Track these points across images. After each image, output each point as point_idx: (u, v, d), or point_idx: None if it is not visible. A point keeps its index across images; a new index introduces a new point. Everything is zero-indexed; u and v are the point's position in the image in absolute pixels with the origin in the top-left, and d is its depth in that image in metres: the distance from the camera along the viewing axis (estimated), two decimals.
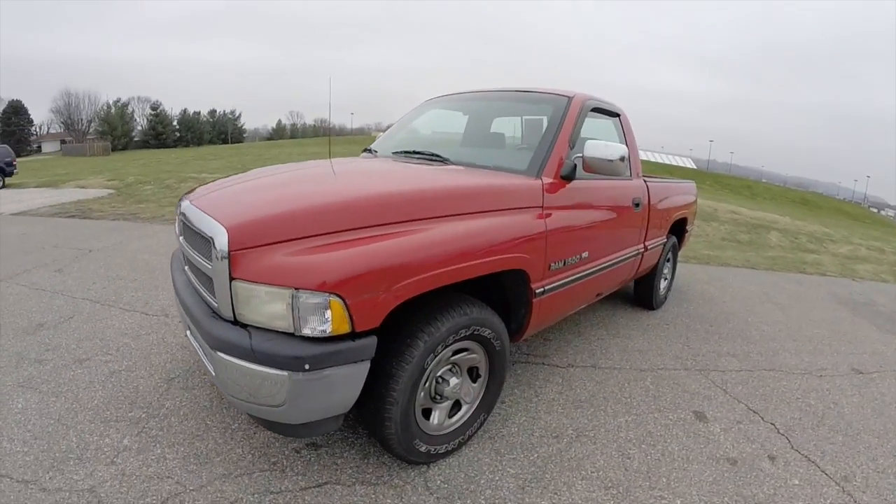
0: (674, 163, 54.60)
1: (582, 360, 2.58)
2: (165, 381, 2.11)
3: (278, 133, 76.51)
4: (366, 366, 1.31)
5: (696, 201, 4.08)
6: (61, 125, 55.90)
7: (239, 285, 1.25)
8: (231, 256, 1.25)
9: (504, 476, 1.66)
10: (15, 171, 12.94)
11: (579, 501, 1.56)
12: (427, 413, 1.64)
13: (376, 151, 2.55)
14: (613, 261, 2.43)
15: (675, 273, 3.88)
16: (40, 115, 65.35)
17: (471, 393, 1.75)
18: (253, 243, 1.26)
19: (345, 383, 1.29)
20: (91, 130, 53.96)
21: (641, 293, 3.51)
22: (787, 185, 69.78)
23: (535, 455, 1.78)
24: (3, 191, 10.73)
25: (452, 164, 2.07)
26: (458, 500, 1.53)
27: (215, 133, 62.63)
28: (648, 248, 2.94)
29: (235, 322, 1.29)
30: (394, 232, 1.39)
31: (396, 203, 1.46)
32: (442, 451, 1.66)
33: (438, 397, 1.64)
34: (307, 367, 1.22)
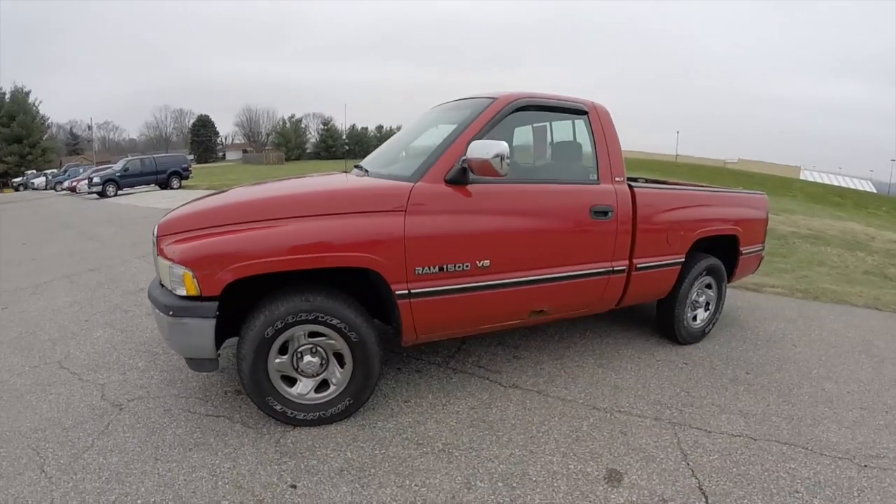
0: (849, 185, 39.07)
1: (533, 384, 2.25)
2: None
3: None
4: (210, 322, 1.62)
5: (758, 218, 3.01)
6: (243, 137, 63.08)
7: (158, 259, 1.75)
8: (157, 240, 1.76)
9: (338, 457, 1.69)
10: (190, 174, 16.71)
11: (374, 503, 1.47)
12: (293, 382, 1.82)
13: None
14: (553, 276, 2.07)
15: (721, 304, 2.90)
16: (225, 127, 72.27)
17: (337, 376, 1.85)
18: (165, 232, 1.74)
19: (196, 332, 1.64)
20: (269, 142, 58.46)
21: (662, 321, 2.77)
22: None
23: (384, 452, 1.73)
24: (178, 190, 14.58)
25: (370, 175, 2.14)
26: (289, 459, 1.66)
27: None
28: (639, 267, 2.34)
29: (162, 286, 1.80)
30: (246, 228, 1.66)
31: (257, 207, 1.76)
32: (300, 417, 1.81)
33: (302, 371, 1.80)
34: (171, 313, 1.64)
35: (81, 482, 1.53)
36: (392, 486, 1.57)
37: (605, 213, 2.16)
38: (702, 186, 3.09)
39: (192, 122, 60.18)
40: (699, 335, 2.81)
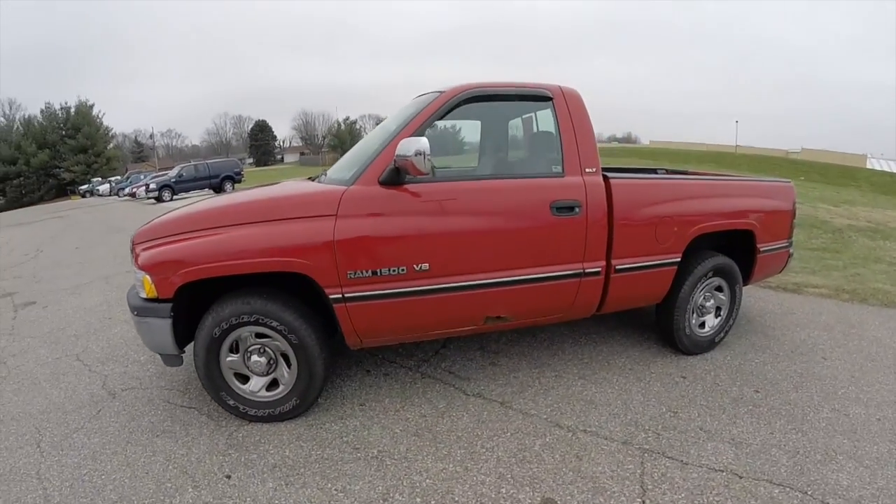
0: None
1: (499, 394, 2.07)
2: None
3: None
4: (167, 322, 1.73)
5: (781, 210, 2.49)
6: (300, 140, 62.62)
7: (134, 266, 1.91)
8: (132, 248, 1.91)
9: (277, 453, 1.71)
10: (242, 178, 16.76)
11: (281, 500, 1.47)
12: (247, 379, 1.88)
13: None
14: (508, 279, 1.87)
15: (735, 311, 2.42)
16: (283, 131, 73.89)
17: (285, 376, 1.87)
18: (139, 241, 1.88)
19: (157, 330, 1.77)
20: (325, 144, 57.73)
21: (662, 329, 2.40)
22: None
23: (320, 453, 1.72)
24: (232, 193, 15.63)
25: (324, 181, 2.09)
26: (234, 451, 1.73)
27: None
28: (619, 269, 2.03)
29: None
30: (195, 236, 1.74)
31: (207, 216, 1.82)
32: (252, 413, 1.87)
33: (252, 370, 1.85)
34: (136, 313, 1.80)
35: (65, 457, 1.73)
36: (314, 487, 1.55)
37: (571, 209, 1.90)
38: (713, 175, 2.61)
39: (250, 127, 60.50)
40: (707, 345, 2.39)
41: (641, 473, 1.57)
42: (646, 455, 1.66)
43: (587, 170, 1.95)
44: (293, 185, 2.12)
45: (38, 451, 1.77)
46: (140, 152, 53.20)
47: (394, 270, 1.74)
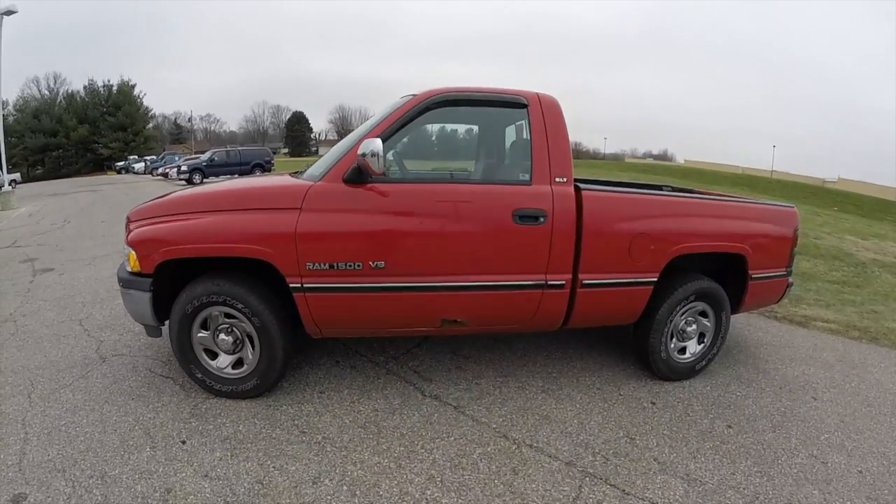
0: None
1: (455, 399, 2.05)
2: None
3: None
4: (147, 295, 1.87)
5: (779, 235, 2.32)
6: (336, 133, 60.96)
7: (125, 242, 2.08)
8: (127, 225, 2.08)
9: (231, 427, 1.80)
10: (272, 167, 16.76)
11: (223, 477, 1.54)
12: (216, 356, 1.98)
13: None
14: (464, 284, 1.87)
15: (720, 339, 2.25)
16: (319, 123, 70.00)
17: (249, 356, 1.96)
18: (134, 219, 2.04)
19: (138, 302, 1.91)
20: None
21: (638, 351, 2.28)
22: None
23: (269, 432, 1.78)
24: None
25: (301, 177, 2.14)
26: (195, 420, 1.83)
27: None
28: (586, 283, 1.96)
29: None
30: (176, 219, 1.88)
31: (188, 201, 1.97)
32: (217, 388, 1.97)
33: (220, 347, 1.95)
34: (122, 284, 1.95)
35: (50, 409, 1.91)
36: (254, 461, 1.63)
37: (536, 219, 1.86)
38: (720, 196, 2.44)
39: (287, 117, 60.13)
40: (686, 372, 2.24)
41: (576, 497, 1.51)
42: (587, 479, 1.59)
43: (557, 179, 1.91)
44: (271, 179, 2.23)
45: (28, 401, 1.96)
46: (178, 134, 53.34)
47: (350, 265, 1.79)
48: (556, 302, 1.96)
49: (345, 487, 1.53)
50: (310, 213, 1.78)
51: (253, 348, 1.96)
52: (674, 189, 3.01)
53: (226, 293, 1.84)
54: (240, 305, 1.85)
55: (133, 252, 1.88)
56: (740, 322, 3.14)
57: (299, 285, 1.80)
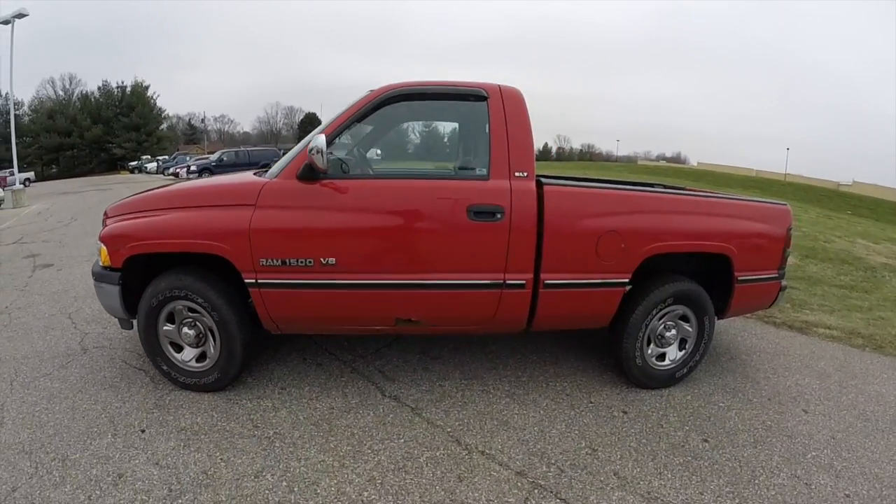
0: None
1: (415, 400, 2.01)
2: None
3: (543, 155, 74.61)
4: (116, 288, 1.95)
5: (768, 234, 2.15)
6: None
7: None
8: (104, 221, 2.17)
9: (189, 418, 1.85)
10: None
11: (172, 466, 1.58)
12: (182, 349, 2.04)
13: None
14: (417, 283, 1.83)
15: (703, 345, 2.11)
16: None
17: (211, 351, 2.01)
18: (109, 215, 2.13)
19: (109, 295, 1.99)
20: None
21: (613, 356, 2.16)
22: None
23: (224, 424, 1.81)
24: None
25: (263, 174, 2.13)
26: (157, 411, 1.89)
27: None
28: (549, 284, 1.87)
29: None
30: (142, 216, 1.95)
31: (155, 199, 2.03)
32: (181, 380, 2.02)
33: (184, 341, 2.01)
34: (94, 278, 2.04)
35: (28, 396, 2.02)
36: (204, 452, 1.66)
37: (492, 215, 1.80)
38: (712, 194, 2.28)
39: (300, 118, 58.66)
40: (665, 379, 2.11)
41: (508, 497, 1.43)
42: (535, 491, 1.52)
43: (517, 174, 1.84)
44: (234, 177, 2.28)
45: (10, 388, 2.09)
46: (192, 134, 53.56)
47: (301, 262, 1.79)
48: (516, 303, 1.89)
49: (284, 483, 1.53)
50: (263, 209, 1.80)
51: (215, 342, 2.00)
52: (666, 188, 2.85)
53: (187, 288, 1.89)
54: (200, 300, 1.89)
55: (104, 247, 1.97)
56: (735, 327, 2.95)
57: (254, 281, 1.82)
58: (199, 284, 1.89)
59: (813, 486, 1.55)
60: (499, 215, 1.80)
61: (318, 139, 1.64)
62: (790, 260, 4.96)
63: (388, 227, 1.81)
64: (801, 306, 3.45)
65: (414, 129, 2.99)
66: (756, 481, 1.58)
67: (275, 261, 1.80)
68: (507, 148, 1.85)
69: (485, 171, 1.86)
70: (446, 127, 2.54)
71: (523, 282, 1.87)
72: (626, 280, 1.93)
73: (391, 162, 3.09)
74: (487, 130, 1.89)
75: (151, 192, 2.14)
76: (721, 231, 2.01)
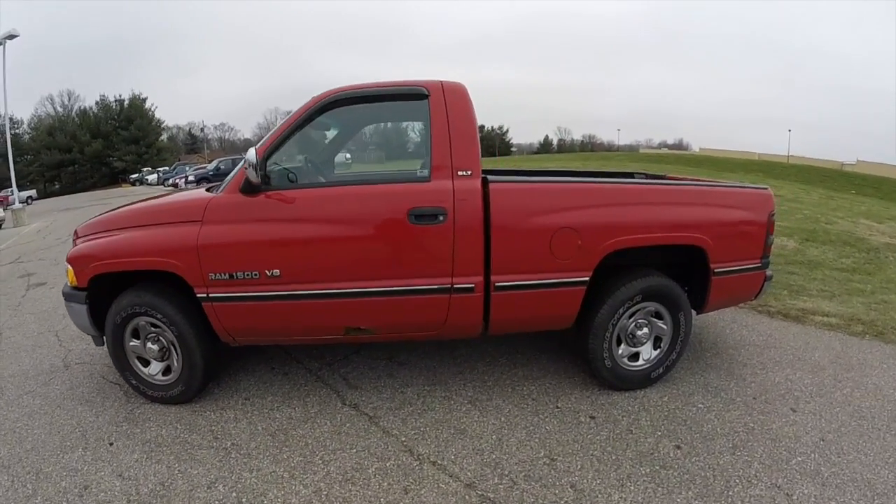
0: None
1: (374, 409, 1.98)
2: None
3: (545, 148, 73.78)
4: (84, 307, 2.02)
5: (747, 221, 2.00)
6: None
7: None
8: (73, 241, 2.26)
9: (154, 430, 1.89)
10: None
11: (133, 478, 1.61)
12: (148, 363, 2.09)
13: None
14: (362, 291, 1.80)
15: (679, 343, 1.98)
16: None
17: (175, 364, 2.06)
18: (79, 235, 2.22)
19: (78, 314, 2.07)
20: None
21: (581, 355, 2.06)
22: None
23: (185, 436, 1.86)
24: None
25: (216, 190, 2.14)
26: (126, 423, 1.96)
27: (483, 147, 71.14)
28: (500, 286, 1.80)
29: None
30: (105, 236, 2.01)
31: (116, 219, 2.09)
32: (149, 393, 2.09)
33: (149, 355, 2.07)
34: (65, 297, 2.13)
35: (11, 413, 2.14)
36: (164, 464, 1.71)
37: (434, 217, 1.74)
38: (696, 181, 2.15)
39: None
40: (640, 380, 2.00)
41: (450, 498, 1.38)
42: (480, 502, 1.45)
43: (460, 173, 1.78)
44: (188, 193, 2.32)
45: None
46: (193, 144, 53.57)
47: (247, 274, 1.81)
48: (467, 307, 1.83)
49: (234, 494, 1.55)
50: (209, 225, 1.83)
51: (177, 356, 2.05)
52: (647, 177, 2.69)
53: (147, 304, 1.95)
54: (160, 316, 1.94)
55: (70, 267, 2.05)
56: (724, 319, 2.78)
57: (206, 295, 1.86)
58: (158, 300, 1.94)
59: (794, 497, 1.42)
60: (441, 217, 1.75)
61: (249, 153, 1.66)
62: (790, 245, 4.71)
63: (330, 235, 1.79)
64: (799, 292, 3.22)
65: (381, 133, 2.97)
66: (729, 492, 1.46)
67: (223, 275, 1.82)
68: (448, 146, 1.79)
69: (426, 173, 1.81)
70: (409, 127, 2.50)
71: (472, 285, 1.81)
72: (587, 278, 1.83)
73: (363, 165, 3.08)
74: (428, 129, 1.83)
75: (115, 211, 2.22)
76: (693, 221, 1.88)
